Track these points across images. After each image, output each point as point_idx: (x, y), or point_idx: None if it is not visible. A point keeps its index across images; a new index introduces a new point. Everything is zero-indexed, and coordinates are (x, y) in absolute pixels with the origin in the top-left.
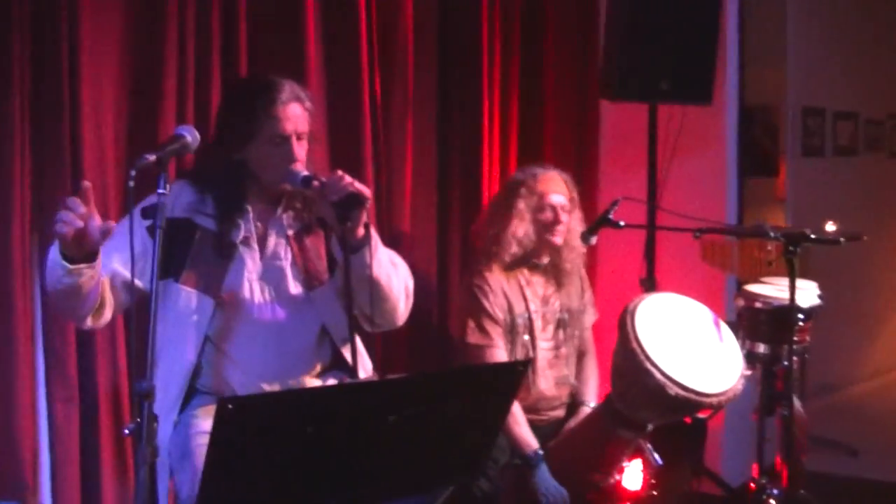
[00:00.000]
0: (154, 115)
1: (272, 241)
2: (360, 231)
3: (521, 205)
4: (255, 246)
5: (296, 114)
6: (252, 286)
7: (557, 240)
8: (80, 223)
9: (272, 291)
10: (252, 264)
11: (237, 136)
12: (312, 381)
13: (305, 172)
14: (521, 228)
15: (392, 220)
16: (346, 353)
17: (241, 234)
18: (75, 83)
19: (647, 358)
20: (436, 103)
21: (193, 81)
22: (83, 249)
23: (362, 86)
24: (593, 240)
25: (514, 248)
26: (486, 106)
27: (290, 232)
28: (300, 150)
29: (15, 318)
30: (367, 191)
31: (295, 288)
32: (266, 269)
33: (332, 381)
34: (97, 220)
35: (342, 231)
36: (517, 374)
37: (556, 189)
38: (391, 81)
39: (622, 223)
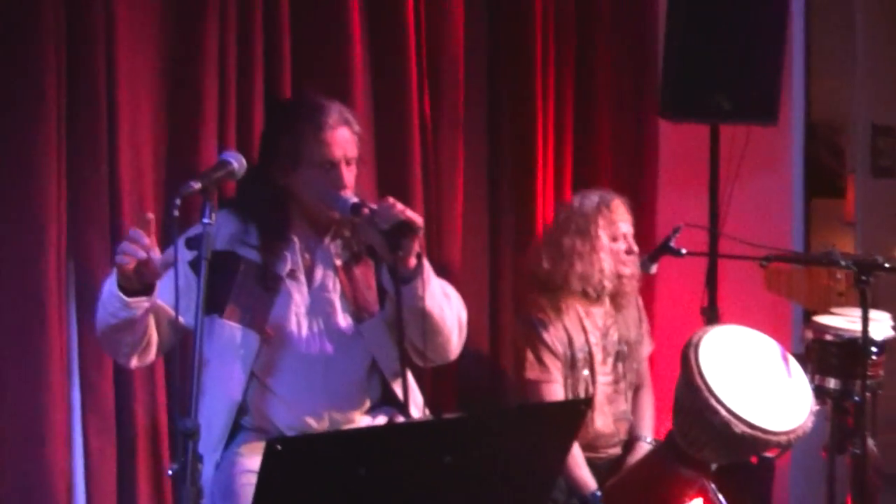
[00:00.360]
0: (194, 137)
1: (320, 272)
2: (412, 261)
3: (602, 237)
4: (303, 278)
5: (344, 138)
6: (299, 320)
7: (628, 270)
8: (143, 255)
9: (320, 325)
10: (299, 297)
11: (282, 161)
12: (361, 418)
13: (355, 199)
14: (607, 262)
15: (442, 247)
16: (397, 388)
17: (288, 266)
18: (112, 103)
19: (712, 394)
20: (486, 124)
21: (235, 101)
22: (142, 281)
23: (411, 106)
24: (654, 268)
25: (607, 283)
26: (539, 127)
27: (339, 262)
28: (349, 175)
29: (50, 348)
30: (418, 219)
31: (344, 321)
32: (314, 301)
33: (381, 418)
34: (157, 252)
35: (393, 261)
36: (579, 412)
37: (624, 217)
38: (440, 101)
39: (683, 251)
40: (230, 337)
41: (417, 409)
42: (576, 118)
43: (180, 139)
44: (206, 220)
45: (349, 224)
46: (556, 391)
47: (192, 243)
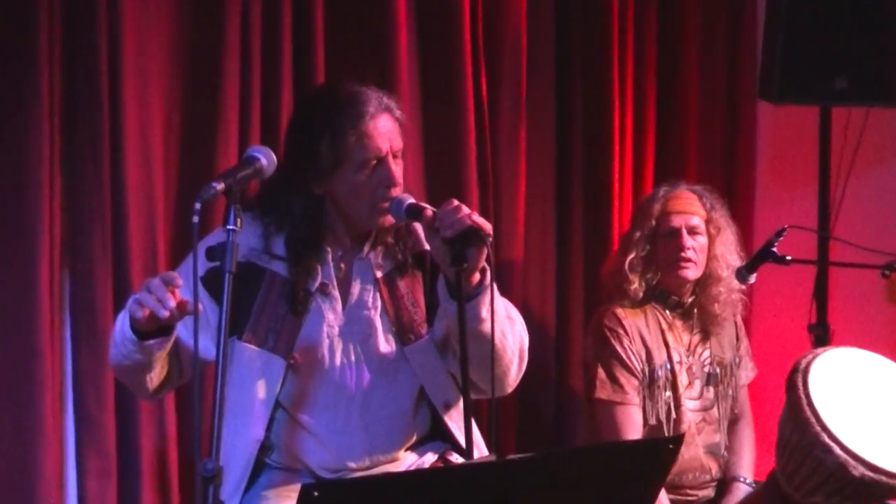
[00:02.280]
0: (212, 134)
1: (357, 286)
2: (477, 275)
3: (637, 232)
4: (336, 294)
5: (387, 128)
6: (333, 343)
7: (688, 272)
8: (165, 313)
9: (358, 349)
10: (332, 316)
11: (319, 166)
12: (407, 457)
13: (411, 199)
14: (636, 260)
15: (500, 253)
16: (450, 421)
17: (318, 279)
18: (116, 93)
19: (825, 429)
20: (554, 110)
21: (259, 93)
22: (157, 323)
23: (465, 89)
24: (752, 278)
25: (635, 286)
26: (616, 112)
27: (379, 274)
28: (398, 171)
29: (41, 374)
30: (488, 225)
31: (386, 344)
32: (350, 321)
33: (430, 456)
34: (177, 296)
35: (456, 275)
36: (667, 453)
37: (683, 207)
38: (500, 83)
39: (788, 258)
40: (249, 363)
41: (476, 446)
42: (658, 102)
43: (196, 137)
44: (230, 226)
45: (392, 228)
46: (632, 414)
47: (213, 253)
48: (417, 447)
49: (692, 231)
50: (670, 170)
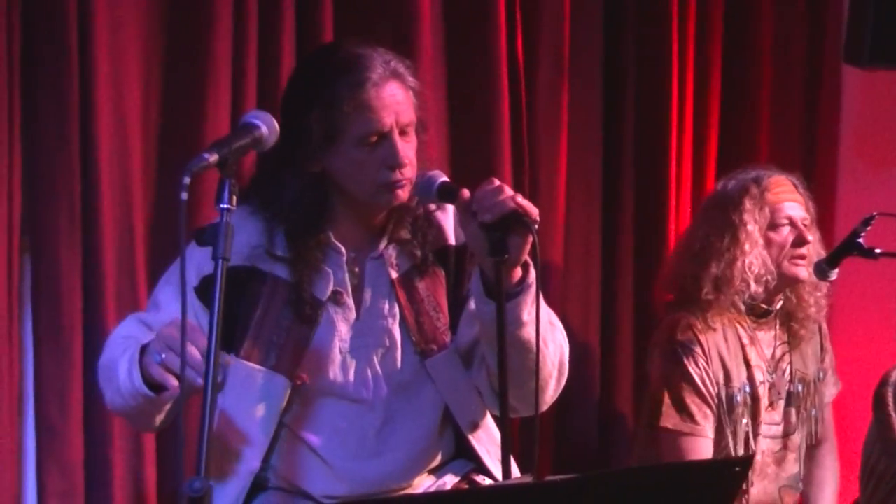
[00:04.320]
0: (199, 92)
1: (370, 291)
2: (518, 271)
3: (751, 223)
4: (351, 302)
5: (395, 98)
6: (346, 360)
7: (802, 272)
8: (200, 381)
9: (374, 365)
10: (345, 328)
11: (311, 141)
12: (424, 480)
13: (444, 178)
14: (757, 259)
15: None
16: (476, 443)
17: (330, 286)
18: (86, 41)
19: None
20: (602, 77)
21: (255, 54)
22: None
23: (498, 51)
24: (834, 274)
25: (753, 289)
26: (674, 81)
27: (395, 274)
28: (406, 148)
29: None
30: (534, 209)
31: (406, 357)
32: (364, 333)
33: (450, 477)
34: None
35: (495, 266)
36: (733, 476)
37: (792, 196)
38: (538, 45)
39: (877, 251)
40: (248, 383)
41: (497, 465)
42: (724, 69)
43: (180, 99)
44: (224, 205)
45: (411, 219)
46: (701, 447)
47: (204, 237)
48: (436, 471)
49: (804, 223)
50: (738, 148)
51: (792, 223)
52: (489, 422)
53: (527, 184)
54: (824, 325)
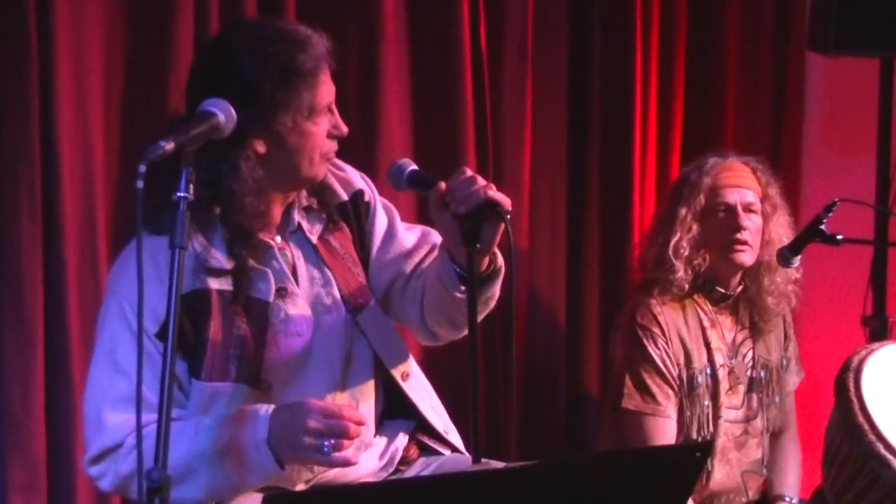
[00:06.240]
0: (161, 77)
1: (302, 265)
2: (487, 257)
3: (684, 208)
4: (296, 288)
5: (329, 79)
6: (311, 348)
7: (743, 256)
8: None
9: (332, 342)
10: (296, 313)
11: (263, 111)
12: (379, 442)
13: (414, 166)
14: (686, 242)
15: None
16: (412, 393)
17: (272, 284)
18: (46, 20)
19: (881, 438)
20: (567, 64)
21: (218, 24)
22: None
23: (461, 39)
24: (797, 261)
25: (681, 274)
26: (639, 68)
27: (315, 239)
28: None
29: None
30: (507, 200)
31: (346, 320)
32: (316, 312)
33: (401, 438)
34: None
35: (467, 256)
36: (693, 463)
37: (737, 181)
38: (502, 33)
39: (840, 237)
40: (212, 402)
41: (439, 418)
42: (689, 56)
43: (142, 84)
44: (181, 193)
45: (307, 190)
46: (664, 428)
47: (155, 223)
48: (384, 429)
49: (747, 209)
50: (702, 135)
51: (728, 208)
52: (418, 370)
53: (491, 171)
54: (788, 315)
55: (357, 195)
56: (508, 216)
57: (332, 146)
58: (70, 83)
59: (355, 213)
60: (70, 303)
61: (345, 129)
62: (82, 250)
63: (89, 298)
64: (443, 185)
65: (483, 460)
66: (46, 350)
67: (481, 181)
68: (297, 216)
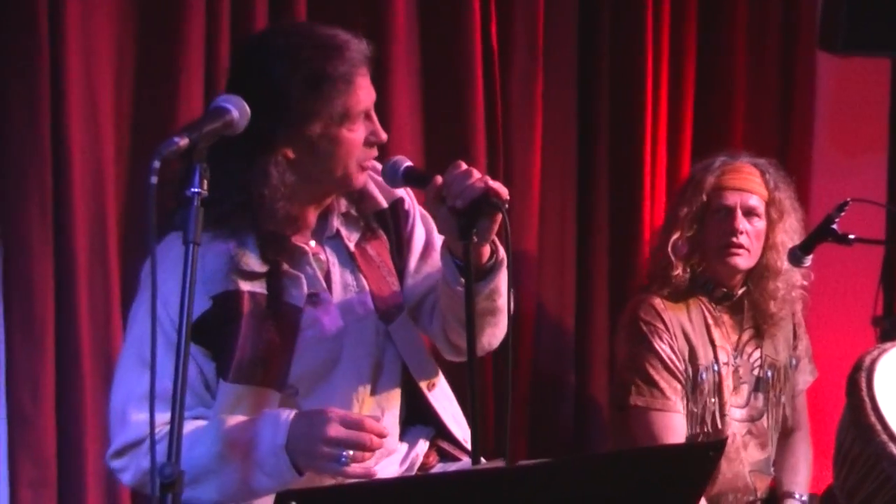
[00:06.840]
0: (171, 75)
1: (337, 271)
2: (488, 249)
3: (684, 207)
4: (328, 295)
5: (368, 84)
6: (340, 355)
7: (737, 260)
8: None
9: (366, 348)
10: (328, 321)
11: (292, 115)
12: (400, 448)
13: (408, 162)
14: (682, 241)
15: (511, 231)
16: (435, 403)
17: (305, 289)
18: (56, 21)
19: (892, 438)
20: (576, 63)
21: (228, 24)
22: None
23: (472, 37)
24: (808, 260)
25: (679, 272)
26: (649, 67)
27: (352, 246)
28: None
29: None
30: (504, 190)
31: (377, 329)
32: (347, 320)
33: (422, 444)
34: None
35: (464, 249)
36: (706, 460)
37: (741, 184)
38: (513, 31)
39: (851, 236)
40: (238, 404)
41: (459, 427)
42: (699, 55)
43: (152, 83)
44: (195, 189)
45: (345, 197)
46: (673, 423)
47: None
48: (406, 435)
49: (749, 212)
50: (712, 136)
51: (727, 211)
52: (443, 380)
53: (501, 170)
54: (799, 315)
55: (397, 203)
56: (506, 206)
57: (370, 153)
58: (80, 82)
59: (394, 221)
60: (80, 300)
61: (383, 135)
62: (92, 249)
63: (99, 296)
64: (439, 179)
65: (483, 460)
66: (56, 347)
67: (476, 174)
68: (336, 222)
